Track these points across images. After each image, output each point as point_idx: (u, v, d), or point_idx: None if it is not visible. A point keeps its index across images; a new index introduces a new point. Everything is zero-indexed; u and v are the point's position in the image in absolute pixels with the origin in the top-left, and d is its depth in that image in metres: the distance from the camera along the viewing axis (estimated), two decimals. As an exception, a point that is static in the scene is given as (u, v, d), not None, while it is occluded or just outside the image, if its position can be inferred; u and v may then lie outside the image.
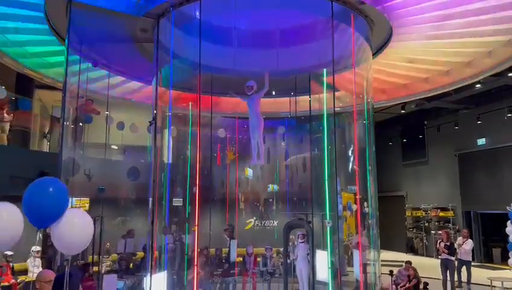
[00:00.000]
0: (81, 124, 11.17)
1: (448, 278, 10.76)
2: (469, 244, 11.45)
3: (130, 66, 9.51)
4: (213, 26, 7.64)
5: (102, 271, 9.93)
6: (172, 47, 7.18)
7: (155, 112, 7.06)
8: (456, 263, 10.71)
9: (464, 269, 11.37)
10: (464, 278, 11.46)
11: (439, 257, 10.81)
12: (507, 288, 10.33)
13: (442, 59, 9.18)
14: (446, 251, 10.56)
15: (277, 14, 7.67)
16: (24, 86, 11.90)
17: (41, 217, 3.69)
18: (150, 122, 7.10)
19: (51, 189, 3.74)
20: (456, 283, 11.44)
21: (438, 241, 11.46)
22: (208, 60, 7.42)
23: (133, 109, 12.66)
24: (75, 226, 3.83)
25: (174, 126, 10.80)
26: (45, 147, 13.18)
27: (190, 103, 9.76)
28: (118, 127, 12.80)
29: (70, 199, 4.61)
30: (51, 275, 4.12)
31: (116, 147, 13.86)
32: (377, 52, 8.48)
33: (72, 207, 8.79)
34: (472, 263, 11.76)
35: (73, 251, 4.06)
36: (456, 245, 11.57)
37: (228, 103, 11.97)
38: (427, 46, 8.52)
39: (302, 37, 8.19)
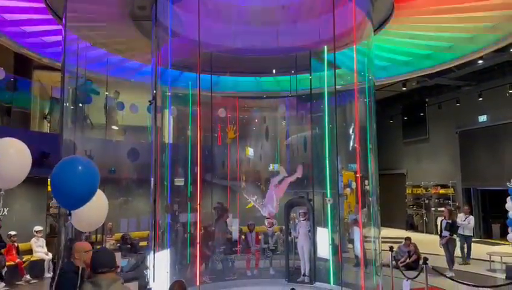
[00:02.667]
0: (80, 104, 11.13)
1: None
2: (472, 221, 11.69)
3: (129, 44, 9.39)
4: (212, 3, 7.51)
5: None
6: (171, 25, 7.08)
7: (155, 91, 7.01)
8: (456, 241, 10.82)
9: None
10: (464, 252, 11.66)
11: (442, 234, 10.88)
12: (506, 263, 10.47)
13: (445, 34, 9.06)
14: (447, 232, 10.64)
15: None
16: (22, 66, 11.81)
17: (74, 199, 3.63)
18: (149, 102, 7.06)
19: (80, 168, 3.64)
20: (460, 260, 11.60)
21: (440, 220, 11.55)
22: (207, 38, 7.34)
23: (132, 88, 12.60)
24: (94, 204, 3.89)
25: (174, 106, 10.78)
26: (45, 128, 13.18)
27: (190, 82, 9.72)
28: (118, 108, 12.76)
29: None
30: (86, 245, 4.17)
31: (117, 128, 13.84)
32: (378, 28, 8.36)
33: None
34: (472, 239, 11.98)
35: (91, 228, 4.20)
36: (459, 222, 11.70)
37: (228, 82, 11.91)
38: (429, 21, 8.39)
39: (302, 14, 8.07)
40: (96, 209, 3.93)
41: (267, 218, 9.31)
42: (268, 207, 9.12)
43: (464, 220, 11.58)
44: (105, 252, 3.54)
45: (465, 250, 11.73)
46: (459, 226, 11.20)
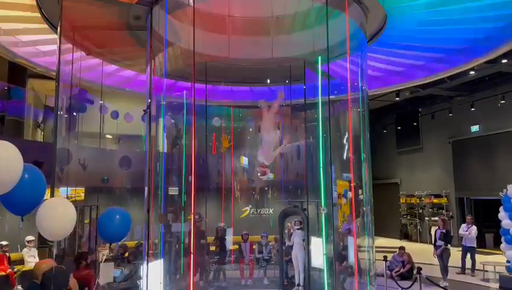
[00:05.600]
0: (75, 113, 11.11)
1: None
2: (473, 231, 11.51)
3: (124, 54, 9.42)
4: (207, 14, 7.58)
5: (99, 260, 9.98)
6: (166, 35, 7.12)
7: (149, 100, 7.02)
8: (450, 250, 10.82)
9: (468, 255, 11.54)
10: (468, 264, 11.57)
11: (436, 244, 10.89)
12: (499, 273, 10.50)
13: (437, 46, 9.17)
14: (442, 242, 10.65)
15: (271, 0, 7.62)
16: (17, 75, 11.78)
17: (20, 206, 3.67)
18: (144, 111, 7.07)
19: (26, 176, 3.70)
20: (459, 270, 11.58)
21: (435, 230, 11.55)
22: (202, 48, 7.38)
23: (127, 97, 12.60)
24: (59, 213, 3.88)
25: (169, 115, 10.78)
26: (39, 137, 13.13)
27: (184, 91, 9.74)
28: (112, 116, 12.75)
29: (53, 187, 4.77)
30: (50, 263, 4.04)
31: (111, 136, 13.82)
32: (371, 39, 8.46)
33: (68, 197, 8.80)
34: (475, 250, 11.76)
35: (57, 237, 4.17)
36: (460, 232, 11.69)
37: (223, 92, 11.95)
38: (421, 32, 8.51)
39: (296, 24, 8.16)
40: (60, 219, 3.90)
41: (260, 166, 8.64)
42: (261, 156, 8.51)
43: (466, 231, 11.55)
44: (57, 274, 3.41)
45: (467, 261, 11.58)
46: (452, 236, 11.19)
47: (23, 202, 3.62)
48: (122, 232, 4.76)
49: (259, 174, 8.84)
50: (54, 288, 3.25)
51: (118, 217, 4.78)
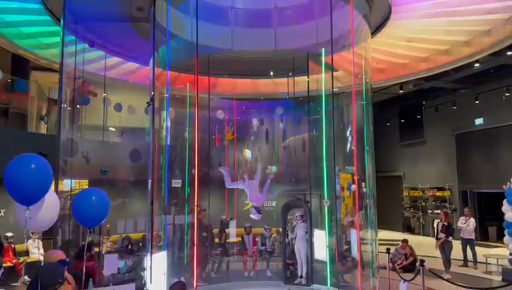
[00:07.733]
0: (78, 106, 11.11)
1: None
2: (471, 224, 11.57)
3: (127, 46, 9.40)
4: (210, 5, 7.54)
5: (103, 252, 10.05)
6: (169, 26, 7.09)
7: (152, 93, 7.01)
8: (452, 243, 10.84)
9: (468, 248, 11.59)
10: (470, 257, 11.63)
11: (438, 237, 10.92)
12: (502, 265, 10.51)
13: (441, 38, 9.11)
14: (443, 234, 10.67)
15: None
16: (20, 67, 11.78)
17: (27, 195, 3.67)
18: (147, 103, 7.06)
19: (33, 166, 3.71)
20: (462, 263, 11.62)
21: (437, 223, 11.56)
22: (205, 40, 7.34)
23: (130, 90, 12.58)
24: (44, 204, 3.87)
25: (172, 108, 10.77)
26: (43, 129, 13.15)
27: (188, 84, 9.72)
28: (116, 109, 12.74)
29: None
30: (60, 254, 4.07)
31: (114, 129, 13.83)
32: (375, 31, 8.41)
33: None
34: (474, 242, 11.83)
35: (41, 228, 4.17)
36: (458, 225, 11.70)
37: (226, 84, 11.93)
38: (425, 24, 8.45)
39: (300, 16, 8.11)
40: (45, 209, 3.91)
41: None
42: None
43: (464, 223, 11.58)
44: (49, 270, 3.43)
45: (467, 253, 11.63)
46: (454, 229, 11.21)
47: (29, 191, 3.61)
48: (100, 214, 4.49)
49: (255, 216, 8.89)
50: (46, 283, 3.27)
51: (94, 197, 4.47)
